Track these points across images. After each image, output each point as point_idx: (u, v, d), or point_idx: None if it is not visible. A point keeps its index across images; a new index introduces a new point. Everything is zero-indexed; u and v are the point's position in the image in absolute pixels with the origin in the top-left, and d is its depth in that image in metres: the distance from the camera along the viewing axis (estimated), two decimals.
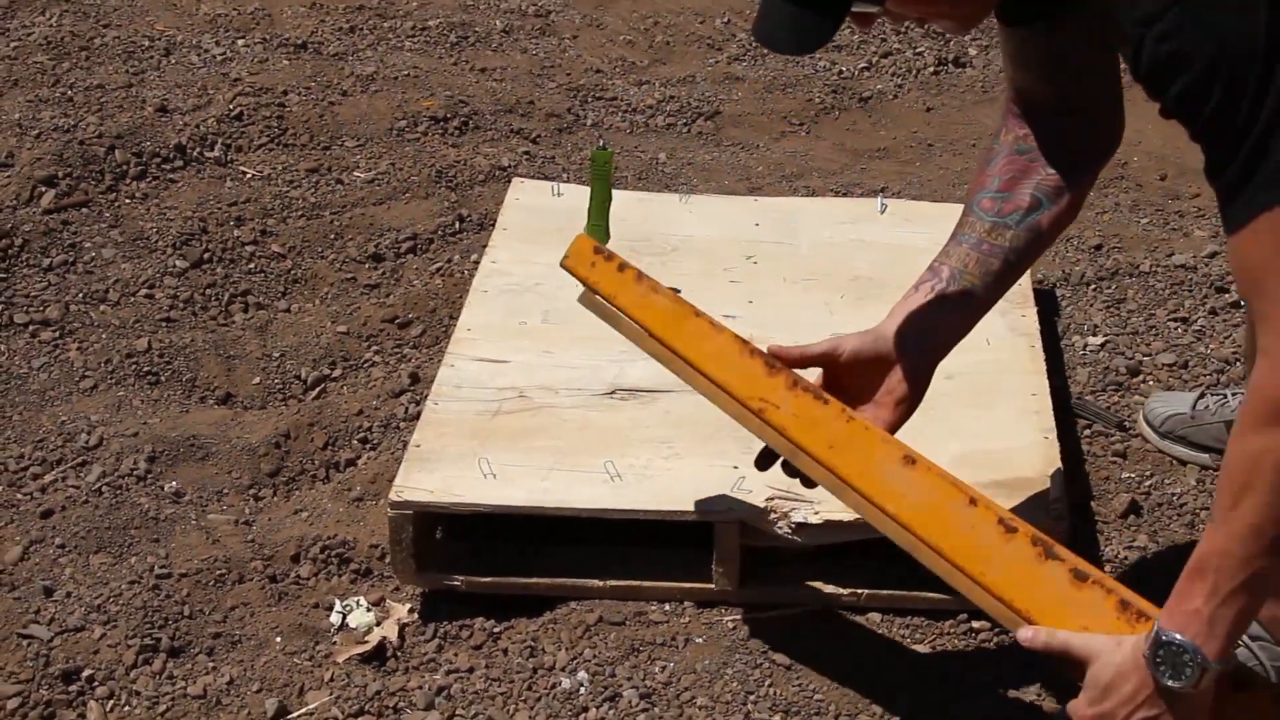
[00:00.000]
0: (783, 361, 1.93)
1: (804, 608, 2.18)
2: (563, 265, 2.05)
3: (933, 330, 1.95)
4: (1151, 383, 2.68)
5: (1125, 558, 2.30)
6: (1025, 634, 1.67)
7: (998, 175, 1.94)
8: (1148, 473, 2.47)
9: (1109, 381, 2.68)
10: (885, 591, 2.17)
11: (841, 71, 3.92)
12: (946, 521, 1.76)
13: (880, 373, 1.96)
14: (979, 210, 1.95)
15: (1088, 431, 2.56)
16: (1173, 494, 2.42)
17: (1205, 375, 2.69)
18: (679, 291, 2.03)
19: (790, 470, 1.95)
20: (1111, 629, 1.66)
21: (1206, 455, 2.48)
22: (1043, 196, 1.91)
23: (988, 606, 1.74)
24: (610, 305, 2.02)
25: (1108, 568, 2.28)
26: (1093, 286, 2.94)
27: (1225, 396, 2.50)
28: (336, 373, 2.78)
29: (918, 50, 4.04)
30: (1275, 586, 1.62)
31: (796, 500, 2.15)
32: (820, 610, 2.18)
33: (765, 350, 1.94)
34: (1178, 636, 1.54)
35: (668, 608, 2.20)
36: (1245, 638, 1.98)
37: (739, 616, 2.18)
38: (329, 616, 2.23)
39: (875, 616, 2.17)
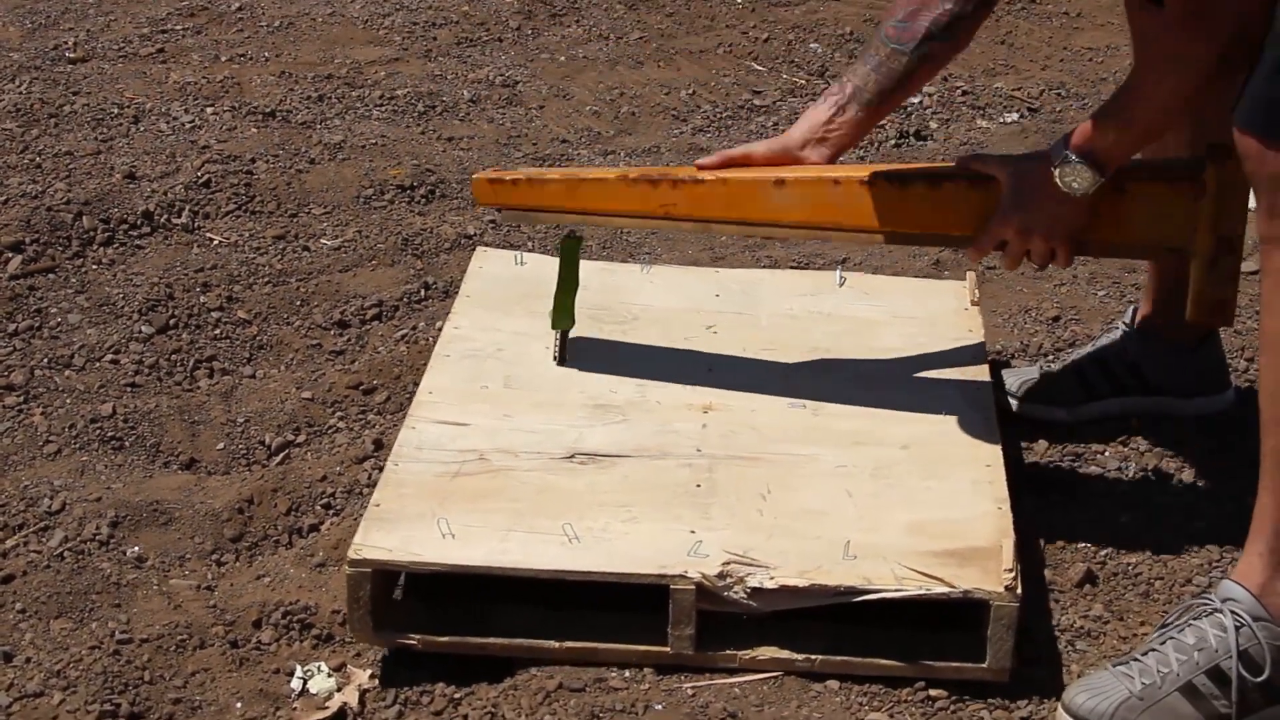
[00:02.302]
0: (706, 168, 2.44)
1: (762, 673, 2.20)
2: (481, 204, 2.55)
3: (831, 134, 2.46)
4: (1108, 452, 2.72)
5: (1081, 627, 2.33)
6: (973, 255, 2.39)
7: (903, 7, 2.41)
8: (1103, 543, 2.50)
9: (1066, 452, 2.71)
10: (839, 658, 2.19)
11: None
12: (824, 204, 2.38)
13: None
14: (884, 36, 2.42)
15: (1043, 503, 2.59)
16: (1128, 564, 2.45)
17: (1164, 441, 2.73)
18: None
19: None
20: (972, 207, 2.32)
21: (1063, 410, 2.77)
22: (935, 30, 2.39)
23: (895, 241, 2.40)
24: (525, 210, 2.50)
25: (1063, 637, 2.30)
26: (1050, 357, 2.98)
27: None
28: (301, 438, 2.79)
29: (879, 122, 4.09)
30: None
31: (752, 565, 2.18)
32: (779, 676, 2.20)
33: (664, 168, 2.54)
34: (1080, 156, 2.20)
35: (627, 674, 2.21)
36: (1247, 617, 2.02)
37: (698, 683, 2.19)
38: (290, 682, 2.23)
39: (834, 683, 2.19)
